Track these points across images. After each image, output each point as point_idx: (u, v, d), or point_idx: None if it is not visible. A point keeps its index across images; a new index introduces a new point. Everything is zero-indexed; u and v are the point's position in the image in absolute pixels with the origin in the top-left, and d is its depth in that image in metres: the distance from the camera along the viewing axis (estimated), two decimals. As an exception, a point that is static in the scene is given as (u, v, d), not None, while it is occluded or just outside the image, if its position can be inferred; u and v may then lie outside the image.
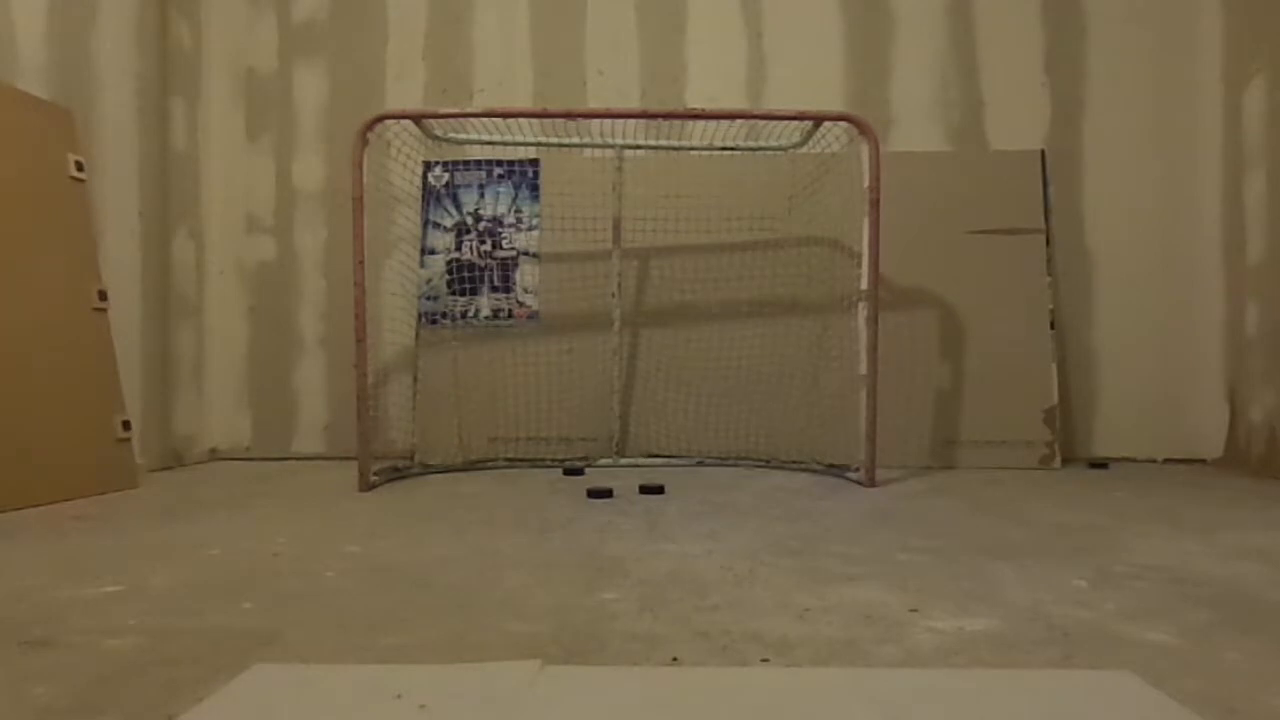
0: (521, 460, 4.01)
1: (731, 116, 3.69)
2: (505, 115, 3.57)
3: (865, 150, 3.32)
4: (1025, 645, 1.41)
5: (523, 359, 4.18)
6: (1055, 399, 4.04)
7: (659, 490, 3.12)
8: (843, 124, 3.60)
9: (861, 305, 3.34)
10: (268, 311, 4.47)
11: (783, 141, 3.97)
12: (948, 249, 4.16)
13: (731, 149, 3.94)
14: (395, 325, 4.31)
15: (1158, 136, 4.29)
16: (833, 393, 3.90)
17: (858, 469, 3.39)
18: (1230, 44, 4.10)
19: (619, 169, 4.12)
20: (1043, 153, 4.26)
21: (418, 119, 3.71)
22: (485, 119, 3.70)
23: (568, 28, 4.40)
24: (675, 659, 1.34)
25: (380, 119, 3.47)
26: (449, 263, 4.29)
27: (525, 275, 4.28)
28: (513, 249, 4.29)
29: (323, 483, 3.48)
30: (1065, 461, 4.07)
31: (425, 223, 4.32)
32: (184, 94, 4.17)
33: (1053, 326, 4.12)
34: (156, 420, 3.92)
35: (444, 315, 4.27)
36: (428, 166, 4.31)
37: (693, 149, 3.95)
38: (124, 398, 3.37)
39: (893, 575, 1.89)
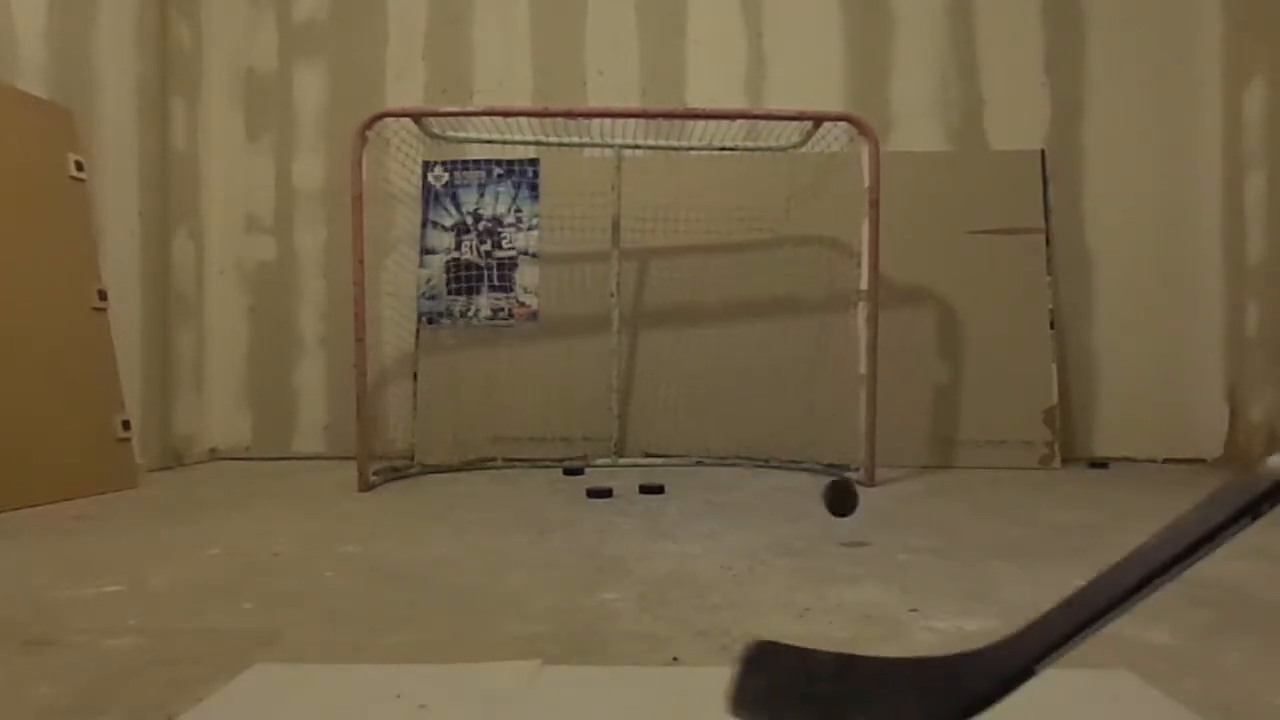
0: (521, 460, 4.01)
1: (731, 116, 3.69)
2: (505, 114, 3.58)
3: (865, 150, 3.31)
4: (1025, 645, 1.41)
5: (523, 359, 4.18)
6: (1055, 399, 4.04)
7: (659, 490, 3.12)
8: (843, 124, 3.59)
9: (861, 305, 3.34)
10: (268, 311, 4.46)
11: (782, 142, 3.96)
12: (947, 249, 4.16)
13: (731, 149, 3.94)
14: (395, 325, 4.30)
15: (1158, 136, 4.29)
16: (832, 392, 3.89)
17: (857, 469, 3.38)
18: (1230, 44, 4.10)
19: (619, 169, 4.12)
20: (1043, 153, 4.26)
21: (417, 117, 3.71)
22: (485, 118, 3.70)
23: (568, 28, 4.40)
24: (675, 659, 1.34)
25: (380, 117, 3.46)
26: (449, 263, 4.28)
27: (525, 275, 4.28)
28: (512, 249, 4.29)
29: (323, 483, 3.48)
30: (1065, 461, 4.07)
31: (425, 222, 4.32)
32: (184, 94, 4.17)
33: (1053, 326, 4.12)
34: (156, 420, 3.92)
35: (444, 315, 4.27)
36: (427, 166, 4.30)
37: (692, 149, 3.94)
38: (124, 398, 3.37)
39: (893, 575, 1.89)
